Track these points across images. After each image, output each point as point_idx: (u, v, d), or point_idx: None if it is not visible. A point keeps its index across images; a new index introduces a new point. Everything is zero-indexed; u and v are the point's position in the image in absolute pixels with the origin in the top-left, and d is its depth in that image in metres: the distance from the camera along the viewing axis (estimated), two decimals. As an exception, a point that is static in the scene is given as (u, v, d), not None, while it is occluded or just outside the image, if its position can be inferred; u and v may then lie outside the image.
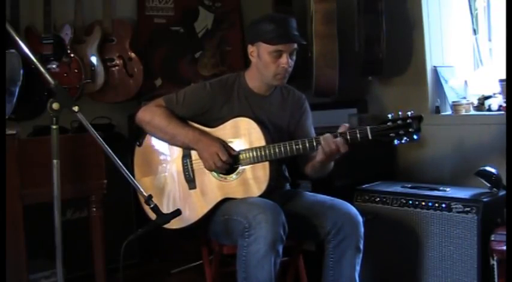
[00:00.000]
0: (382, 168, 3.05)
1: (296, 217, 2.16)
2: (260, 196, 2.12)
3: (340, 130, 2.05)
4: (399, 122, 1.99)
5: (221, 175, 2.19)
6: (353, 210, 2.16)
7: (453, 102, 2.91)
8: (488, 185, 2.49)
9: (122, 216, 3.18)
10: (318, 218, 2.15)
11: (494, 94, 2.86)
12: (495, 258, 2.19)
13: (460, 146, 2.86)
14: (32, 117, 3.17)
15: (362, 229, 2.12)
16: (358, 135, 2.01)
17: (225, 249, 2.23)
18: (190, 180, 2.24)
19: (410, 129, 1.98)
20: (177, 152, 2.27)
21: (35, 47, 3.19)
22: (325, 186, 2.61)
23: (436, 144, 2.98)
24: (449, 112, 2.98)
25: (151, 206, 1.87)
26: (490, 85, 2.91)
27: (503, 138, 2.14)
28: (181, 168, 2.26)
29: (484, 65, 3.03)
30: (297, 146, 2.09)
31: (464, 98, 2.98)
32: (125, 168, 1.88)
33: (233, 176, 2.18)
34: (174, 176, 2.27)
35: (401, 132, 1.98)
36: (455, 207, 2.39)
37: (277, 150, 2.10)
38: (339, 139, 2.02)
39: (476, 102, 2.94)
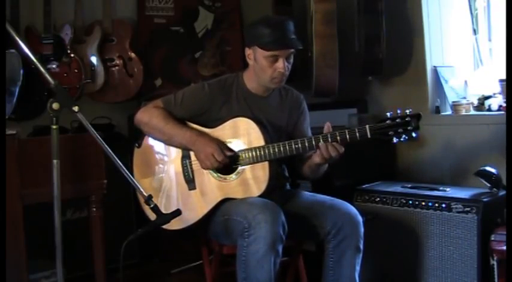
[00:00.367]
0: (382, 168, 3.05)
1: (296, 217, 2.16)
2: (260, 196, 2.12)
3: (325, 129, 2.06)
4: (398, 120, 1.99)
5: (221, 175, 2.19)
6: (353, 210, 2.16)
7: (453, 102, 2.91)
8: (488, 185, 2.48)
9: (122, 216, 3.18)
10: (317, 218, 2.15)
11: (494, 94, 2.86)
12: (495, 258, 2.19)
13: (460, 146, 2.86)
14: (32, 117, 3.18)
15: (362, 229, 2.12)
16: (357, 134, 2.02)
17: (225, 249, 2.23)
18: (190, 181, 2.24)
19: (409, 128, 1.98)
20: (176, 152, 2.27)
21: (35, 47, 3.19)
22: (325, 186, 2.61)
23: (436, 144, 2.98)
24: (449, 112, 2.98)
25: (151, 206, 1.87)
26: (490, 85, 2.91)
27: (503, 138, 2.14)
28: (180, 169, 2.26)
29: (484, 65, 3.03)
30: (296, 146, 2.09)
31: (464, 98, 2.98)
32: (125, 168, 1.88)
33: (233, 176, 2.18)
34: (174, 177, 2.27)
35: (400, 130, 1.99)
36: (455, 207, 2.39)
37: (276, 150, 2.10)
38: (335, 143, 2.03)
39: (476, 102, 2.94)
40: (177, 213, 1.90)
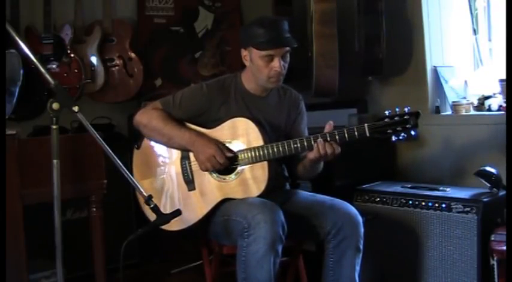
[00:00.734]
0: (382, 168, 3.05)
1: (296, 217, 2.16)
2: (259, 196, 2.12)
3: (326, 130, 2.06)
4: (396, 118, 1.99)
5: (220, 176, 2.19)
6: (353, 210, 2.16)
7: (453, 102, 2.91)
8: (488, 185, 2.48)
9: (122, 216, 3.18)
10: (317, 218, 2.15)
11: (494, 94, 2.86)
12: (495, 258, 2.19)
13: (460, 146, 2.86)
14: (32, 117, 3.18)
15: (362, 229, 2.12)
16: (356, 133, 2.01)
17: (225, 249, 2.23)
18: (190, 182, 2.24)
19: (407, 126, 1.98)
20: (176, 153, 2.27)
21: (35, 47, 3.19)
22: (325, 186, 2.61)
23: (436, 144, 2.98)
24: (449, 112, 2.98)
25: (151, 206, 1.87)
26: (490, 85, 2.91)
27: (503, 138, 2.14)
28: (180, 170, 2.26)
29: (484, 65, 3.03)
30: (295, 145, 2.09)
31: (464, 98, 2.98)
32: (125, 168, 1.88)
33: (232, 176, 2.18)
34: (173, 178, 2.27)
35: (398, 128, 1.99)
36: (455, 207, 2.38)
37: (275, 149, 2.10)
38: (333, 142, 2.03)
39: (476, 102, 2.94)
40: (177, 213, 1.90)
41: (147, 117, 2.25)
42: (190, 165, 2.24)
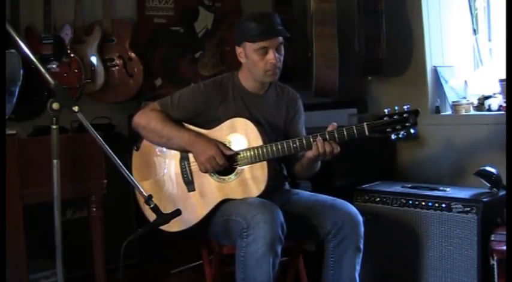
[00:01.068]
0: (382, 168, 3.05)
1: (296, 217, 2.16)
2: (259, 196, 2.12)
3: (329, 129, 2.06)
4: (395, 117, 1.99)
5: (219, 176, 2.19)
6: (353, 210, 2.16)
7: (453, 102, 2.91)
8: (488, 185, 2.48)
9: (122, 216, 3.18)
10: (318, 218, 2.15)
11: (494, 94, 2.86)
12: (495, 258, 2.19)
13: (460, 146, 2.86)
14: (32, 117, 3.18)
15: (362, 229, 2.12)
16: (355, 131, 2.01)
17: (224, 249, 2.23)
18: (189, 183, 2.24)
19: (407, 124, 1.98)
20: (175, 154, 2.27)
21: (35, 47, 3.19)
22: (325, 186, 2.61)
23: (436, 144, 2.98)
24: (449, 112, 2.98)
25: (152, 205, 1.87)
26: (490, 85, 2.91)
27: (503, 138, 2.14)
28: (179, 171, 2.26)
29: (484, 65, 3.03)
30: (294, 145, 2.09)
31: (464, 98, 2.98)
32: (125, 168, 1.88)
33: (232, 176, 2.17)
34: (173, 179, 2.27)
35: (398, 127, 1.98)
36: (455, 207, 2.38)
37: (274, 149, 2.10)
38: (332, 142, 2.03)
39: (476, 102, 2.94)
40: (177, 213, 1.90)
41: (146, 118, 2.25)
42: (189, 166, 2.24)
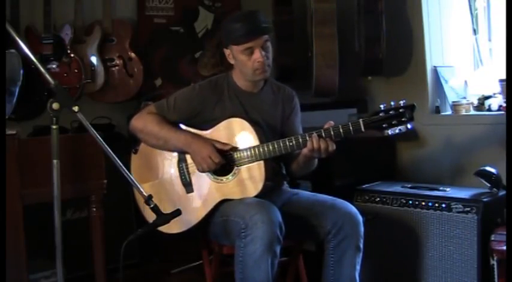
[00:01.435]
0: (382, 168, 3.05)
1: (296, 217, 2.16)
2: (257, 195, 2.12)
3: (325, 127, 2.05)
4: (391, 112, 1.97)
5: (217, 177, 2.19)
6: (353, 209, 2.16)
7: (453, 102, 2.91)
8: (488, 185, 2.48)
9: (122, 216, 3.18)
10: (318, 218, 2.15)
11: (494, 94, 2.86)
12: (495, 258, 2.19)
13: (460, 146, 2.86)
14: (32, 117, 3.18)
15: (362, 229, 2.12)
16: (351, 128, 2.00)
17: (224, 249, 2.23)
18: (187, 184, 2.24)
19: (403, 119, 1.96)
20: (173, 157, 2.27)
21: (35, 47, 3.19)
22: (325, 186, 2.62)
23: (436, 144, 2.98)
24: (449, 112, 2.98)
25: (152, 206, 1.87)
26: (490, 85, 2.91)
27: (503, 138, 2.14)
28: (177, 173, 2.26)
29: (484, 65, 3.03)
30: (291, 143, 2.09)
31: (464, 98, 2.98)
32: (125, 168, 1.88)
33: (229, 177, 2.17)
34: (171, 181, 2.27)
35: (394, 122, 1.97)
36: (455, 207, 2.38)
37: (270, 148, 2.10)
38: (327, 139, 2.03)
39: (476, 102, 2.94)
40: (177, 213, 1.90)
41: (142, 122, 2.25)
42: (187, 168, 2.24)
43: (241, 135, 2.16)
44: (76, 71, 3.31)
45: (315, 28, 3.00)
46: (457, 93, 3.00)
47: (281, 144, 2.09)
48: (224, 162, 2.15)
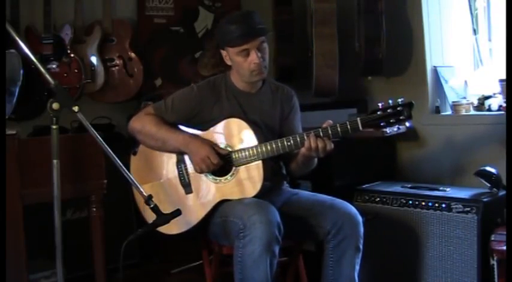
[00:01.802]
0: (382, 168, 3.05)
1: (296, 217, 2.16)
2: (256, 195, 2.12)
3: (324, 126, 2.05)
4: (389, 110, 1.96)
5: (216, 177, 2.19)
6: (353, 209, 2.15)
7: (453, 102, 2.92)
8: (488, 185, 2.49)
9: (122, 216, 3.18)
10: (317, 218, 2.15)
11: (494, 94, 2.86)
12: (495, 258, 2.19)
13: (460, 146, 2.86)
14: (32, 117, 3.17)
15: (362, 229, 2.12)
16: (348, 127, 1.99)
17: (224, 249, 2.23)
18: (186, 185, 2.24)
19: (401, 117, 1.95)
20: (172, 157, 2.27)
21: (35, 47, 3.19)
22: (325, 186, 2.61)
23: (436, 144, 2.98)
24: (449, 112, 2.98)
25: (152, 206, 1.87)
26: (490, 85, 2.91)
27: (503, 138, 2.14)
28: (176, 174, 2.26)
29: (484, 65, 3.03)
30: (289, 143, 2.08)
31: (464, 98, 2.98)
32: (125, 168, 1.88)
33: (228, 177, 2.17)
34: (171, 182, 2.27)
35: (392, 120, 1.96)
36: (455, 207, 2.39)
37: (269, 148, 2.10)
38: (325, 138, 2.02)
39: (476, 102, 2.94)
40: (177, 213, 1.90)
41: (141, 123, 2.25)
42: (186, 169, 2.24)
43: (240, 135, 2.16)
44: (76, 71, 3.31)
45: (315, 28, 3.00)
46: (457, 93, 3.00)
47: (279, 144, 2.09)
48: (222, 163, 2.15)
